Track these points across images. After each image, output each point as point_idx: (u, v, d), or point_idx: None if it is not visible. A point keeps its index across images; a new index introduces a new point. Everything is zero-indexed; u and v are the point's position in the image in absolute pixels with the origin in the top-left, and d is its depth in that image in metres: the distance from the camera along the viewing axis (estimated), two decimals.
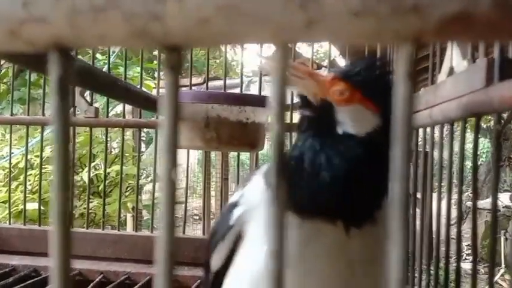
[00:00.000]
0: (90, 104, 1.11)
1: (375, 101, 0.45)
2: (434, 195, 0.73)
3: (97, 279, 1.01)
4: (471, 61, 0.55)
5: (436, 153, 0.70)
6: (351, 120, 0.45)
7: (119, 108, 2.14)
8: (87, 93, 1.20)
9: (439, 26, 0.16)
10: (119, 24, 0.17)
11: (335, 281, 0.46)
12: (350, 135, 0.45)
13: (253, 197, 0.49)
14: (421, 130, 0.76)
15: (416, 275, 0.77)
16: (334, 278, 0.46)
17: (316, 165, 0.44)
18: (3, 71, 2.29)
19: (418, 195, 0.81)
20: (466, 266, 1.72)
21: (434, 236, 0.67)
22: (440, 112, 0.58)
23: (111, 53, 2.32)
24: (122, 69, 1.23)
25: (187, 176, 1.22)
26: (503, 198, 3.80)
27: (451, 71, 0.64)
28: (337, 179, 0.43)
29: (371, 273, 0.45)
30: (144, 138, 2.60)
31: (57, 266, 0.19)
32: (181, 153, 1.28)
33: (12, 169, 1.52)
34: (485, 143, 5.80)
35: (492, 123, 0.48)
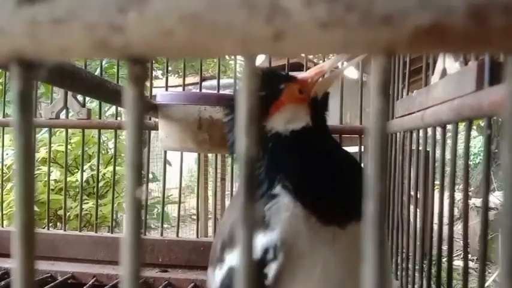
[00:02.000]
0: (83, 106, 1.10)
1: None
2: (432, 195, 0.72)
3: (90, 282, 1.00)
4: (463, 63, 0.55)
5: (435, 154, 0.70)
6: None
7: (115, 107, 2.13)
8: (79, 94, 1.19)
9: (411, 37, 0.16)
10: (79, 36, 0.16)
11: (352, 278, 0.46)
12: None
13: (287, 226, 0.46)
14: (415, 133, 0.75)
15: (410, 273, 0.77)
16: (351, 276, 0.46)
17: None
18: None
19: (413, 194, 0.81)
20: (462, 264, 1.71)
21: (429, 235, 0.67)
22: (432, 115, 0.58)
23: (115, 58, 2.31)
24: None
25: (180, 177, 1.21)
26: (501, 196, 3.79)
27: (444, 73, 0.63)
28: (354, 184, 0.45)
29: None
30: (125, 159, 2.59)
31: (20, 269, 0.18)
32: (173, 154, 1.27)
33: (6, 170, 1.51)
34: (482, 141, 5.81)
35: (485, 129, 0.47)
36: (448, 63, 0.62)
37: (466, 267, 0.57)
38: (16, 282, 0.18)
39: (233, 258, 0.47)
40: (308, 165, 0.48)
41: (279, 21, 0.15)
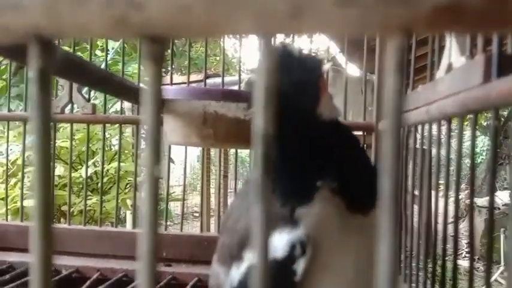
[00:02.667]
0: (88, 101, 1.11)
1: None
2: (433, 194, 0.72)
3: (94, 276, 1.00)
4: (469, 57, 0.55)
5: (434, 151, 0.70)
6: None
7: (119, 105, 2.14)
8: (85, 90, 1.19)
9: (429, 16, 0.16)
10: (97, 14, 0.17)
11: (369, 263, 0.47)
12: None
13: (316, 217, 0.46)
14: (420, 128, 0.75)
15: (414, 272, 0.77)
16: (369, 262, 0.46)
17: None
18: (2, 67, 2.28)
19: (416, 193, 0.81)
20: (465, 263, 1.72)
21: (432, 234, 0.66)
22: (437, 108, 0.58)
23: (110, 49, 2.31)
24: (121, 66, 1.22)
25: (184, 173, 1.22)
26: (503, 196, 3.79)
27: (450, 68, 0.63)
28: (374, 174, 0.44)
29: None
30: (144, 135, 2.60)
31: (38, 263, 0.19)
32: (180, 151, 1.27)
33: (10, 166, 1.52)
34: (485, 141, 5.79)
35: (492, 121, 0.47)
36: (454, 57, 0.62)
37: (471, 267, 0.57)
38: (34, 274, 0.18)
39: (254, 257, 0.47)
40: (342, 156, 0.48)
41: None
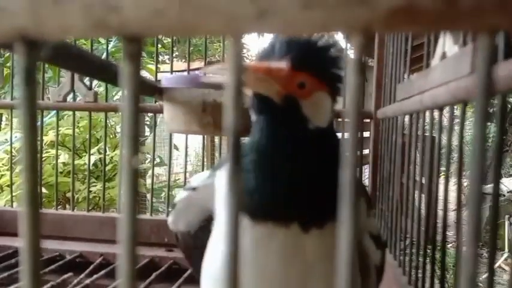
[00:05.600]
0: (90, 89, 1.12)
1: (328, 83, 0.43)
2: (437, 181, 0.72)
3: (97, 261, 1.03)
4: (462, 46, 0.55)
5: (444, 139, 0.70)
6: (316, 112, 0.42)
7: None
8: (87, 78, 1.20)
9: (387, 17, 0.17)
10: (78, 16, 0.18)
11: (291, 282, 0.44)
12: (319, 129, 0.42)
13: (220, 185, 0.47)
14: (424, 116, 0.75)
15: (420, 259, 0.78)
16: (290, 280, 0.44)
17: (280, 166, 0.41)
18: (6, 55, 2.30)
19: (423, 181, 0.82)
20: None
21: (438, 221, 0.67)
22: (430, 98, 0.58)
23: (112, 37, 2.32)
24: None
25: (185, 161, 1.23)
26: (508, 183, 3.79)
27: (444, 57, 0.64)
28: (309, 179, 0.42)
29: (330, 274, 0.43)
30: (148, 123, 2.61)
31: (27, 248, 0.20)
32: (180, 139, 1.29)
33: (15, 153, 1.54)
34: (491, 128, 5.76)
35: (497, 108, 0.47)
36: (447, 46, 0.62)
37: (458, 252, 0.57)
38: (24, 258, 0.19)
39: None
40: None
41: (262, 0, 0.17)
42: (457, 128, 0.59)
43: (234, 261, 0.18)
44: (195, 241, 0.57)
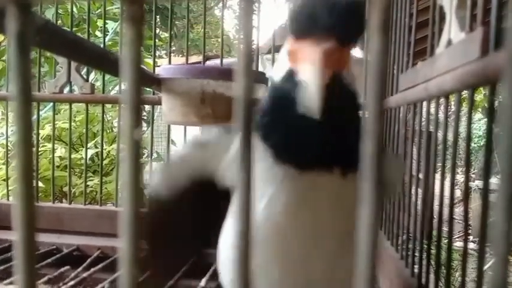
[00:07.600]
0: (86, 80, 1.10)
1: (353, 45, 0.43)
2: (434, 176, 0.71)
3: (95, 255, 1.01)
4: (469, 32, 0.54)
5: (437, 134, 0.69)
6: (351, 77, 0.43)
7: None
8: (84, 70, 1.19)
9: None
10: None
11: (339, 224, 0.45)
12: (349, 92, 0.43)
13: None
14: (421, 108, 0.74)
15: (416, 254, 0.77)
16: (338, 223, 0.45)
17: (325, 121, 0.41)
18: (2, 48, 2.27)
19: (420, 175, 0.81)
20: (469, 245, 1.72)
21: (435, 216, 0.66)
22: (436, 85, 0.57)
23: (110, 30, 2.29)
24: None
25: None
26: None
27: (449, 44, 0.63)
28: (346, 129, 0.43)
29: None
30: (145, 118, 2.59)
31: (21, 241, 0.19)
32: (178, 134, 1.27)
33: (10, 147, 1.52)
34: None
35: (496, 103, 0.46)
36: (453, 33, 0.61)
37: (465, 248, 0.56)
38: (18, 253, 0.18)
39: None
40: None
41: None
42: (464, 119, 0.58)
43: (245, 238, 0.16)
44: (175, 213, 0.54)
